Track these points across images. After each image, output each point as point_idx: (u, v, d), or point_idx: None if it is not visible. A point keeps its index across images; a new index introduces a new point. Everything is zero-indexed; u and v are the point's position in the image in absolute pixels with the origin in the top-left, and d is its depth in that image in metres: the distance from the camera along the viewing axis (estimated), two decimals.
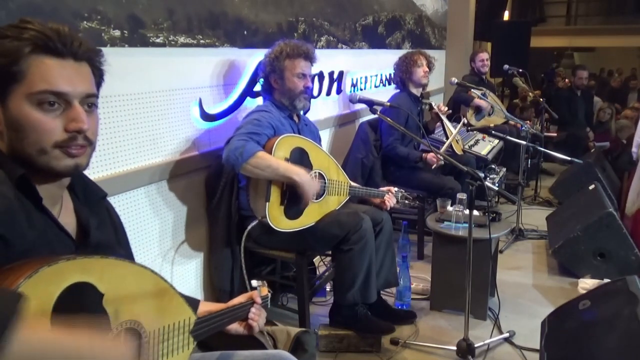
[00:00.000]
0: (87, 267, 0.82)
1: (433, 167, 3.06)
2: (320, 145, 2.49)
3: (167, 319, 1.01)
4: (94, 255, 0.85)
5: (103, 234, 1.03)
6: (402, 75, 3.32)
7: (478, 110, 4.58)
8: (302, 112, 2.39)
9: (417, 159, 3.15)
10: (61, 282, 0.76)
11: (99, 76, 0.96)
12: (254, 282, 1.35)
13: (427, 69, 3.31)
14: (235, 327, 1.26)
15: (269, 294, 1.35)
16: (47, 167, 0.88)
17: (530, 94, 4.98)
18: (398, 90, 3.43)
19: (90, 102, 0.92)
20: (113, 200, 1.78)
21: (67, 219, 0.96)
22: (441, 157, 2.97)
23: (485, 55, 4.74)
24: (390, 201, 2.38)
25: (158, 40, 1.88)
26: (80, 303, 0.80)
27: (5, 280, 0.73)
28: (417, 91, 3.37)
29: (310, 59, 2.22)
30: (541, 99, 4.79)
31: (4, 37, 0.85)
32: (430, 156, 3.08)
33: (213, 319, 1.15)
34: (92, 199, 1.05)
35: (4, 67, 0.84)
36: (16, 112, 0.85)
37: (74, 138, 0.89)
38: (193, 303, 1.14)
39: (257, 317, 1.27)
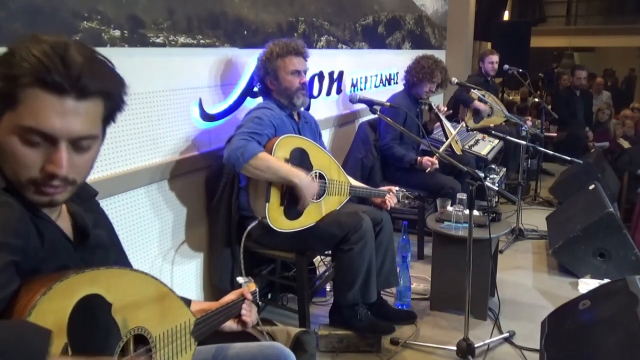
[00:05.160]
0: (94, 279, 0.83)
1: (427, 170, 3.04)
2: (322, 140, 2.50)
3: (169, 322, 1.02)
4: (100, 267, 0.85)
5: (100, 235, 1.03)
6: (411, 79, 3.32)
7: (476, 113, 4.58)
8: (302, 109, 2.39)
9: (412, 161, 3.14)
10: (73, 296, 0.78)
11: (114, 109, 0.91)
12: (240, 279, 1.37)
13: (433, 89, 3.33)
14: (230, 324, 1.27)
15: (257, 289, 1.36)
16: (24, 197, 0.85)
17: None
18: (402, 88, 3.44)
19: (83, 144, 0.86)
20: (113, 200, 1.78)
21: (64, 222, 0.96)
22: (436, 162, 2.98)
23: (495, 58, 4.72)
24: (391, 201, 2.38)
25: (158, 40, 1.88)
26: (92, 314, 0.82)
27: (21, 297, 0.75)
28: (417, 95, 3.37)
29: (301, 54, 2.21)
30: (538, 99, 4.79)
31: (12, 56, 0.80)
32: (425, 160, 3.08)
33: (210, 318, 1.16)
34: (84, 198, 1.04)
35: (2, 90, 0.80)
36: (2, 136, 0.82)
37: (48, 178, 0.83)
38: (186, 304, 1.14)
39: (249, 312, 1.29)
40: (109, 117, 0.91)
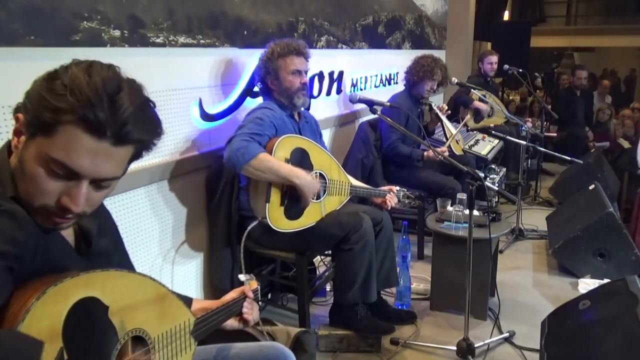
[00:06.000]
0: (90, 282, 0.82)
1: (439, 158, 3.06)
2: (322, 140, 2.49)
3: (168, 323, 1.01)
4: (95, 270, 0.85)
5: (103, 242, 1.02)
6: (412, 78, 3.32)
7: (477, 113, 4.59)
8: (302, 109, 2.39)
9: (419, 157, 3.16)
10: (68, 300, 0.78)
11: (143, 150, 0.90)
12: (242, 277, 1.37)
13: (435, 88, 3.32)
14: (231, 323, 1.27)
15: (259, 287, 1.36)
16: (30, 215, 0.84)
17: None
18: (403, 89, 3.44)
19: (104, 184, 0.87)
20: (113, 200, 1.78)
21: (67, 230, 0.95)
22: (445, 151, 2.99)
23: (494, 59, 4.71)
24: (392, 201, 2.38)
25: (158, 40, 1.88)
26: (88, 318, 0.81)
27: (15, 302, 0.75)
28: (418, 95, 3.37)
29: (302, 54, 2.21)
30: (537, 100, 4.79)
31: (62, 85, 0.78)
32: (432, 152, 3.08)
33: (210, 317, 1.16)
34: None
35: (43, 118, 0.79)
36: (27, 158, 0.82)
37: (62, 211, 0.83)
38: (187, 302, 1.14)
39: (251, 310, 1.29)
40: (136, 157, 0.91)
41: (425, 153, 3.11)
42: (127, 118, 0.80)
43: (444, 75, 3.32)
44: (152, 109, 0.88)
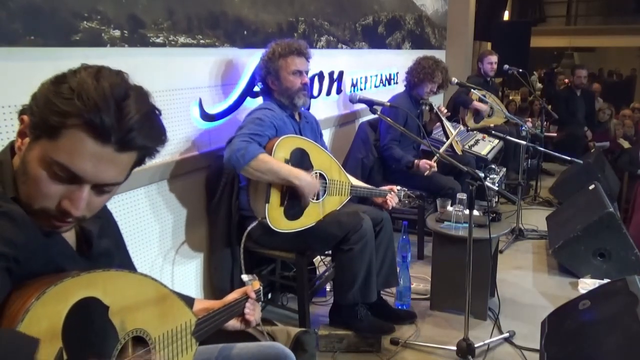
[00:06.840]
0: (91, 282, 0.82)
1: (425, 174, 3.00)
2: (323, 140, 2.49)
3: (169, 323, 1.01)
4: (96, 270, 0.85)
5: (104, 242, 1.02)
6: (412, 80, 3.31)
7: (477, 113, 4.58)
8: (302, 109, 2.38)
9: (409, 164, 3.09)
10: (68, 300, 0.78)
11: (146, 157, 0.91)
12: (245, 277, 1.37)
13: (435, 90, 3.31)
14: (233, 323, 1.27)
15: (261, 288, 1.36)
16: (30, 216, 0.84)
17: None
18: (403, 89, 3.44)
19: (106, 189, 0.87)
20: (113, 200, 1.77)
21: (69, 231, 0.95)
22: (434, 165, 2.95)
23: (494, 58, 4.71)
24: (393, 200, 2.37)
25: (158, 40, 1.88)
26: (88, 318, 0.81)
27: (14, 302, 0.75)
28: (417, 97, 3.36)
29: (303, 54, 2.21)
30: (538, 100, 4.79)
31: (70, 90, 0.78)
32: (422, 163, 3.03)
33: (212, 318, 1.16)
34: None
35: (48, 121, 0.79)
36: (30, 160, 0.82)
37: (62, 214, 0.83)
38: (189, 302, 1.14)
39: (253, 311, 1.29)
40: (138, 163, 0.91)
41: (416, 161, 3.08)
42: (133, 125, 0.81)
43: (444, 78, 3.32)
44: (157, 117, 0.89)
